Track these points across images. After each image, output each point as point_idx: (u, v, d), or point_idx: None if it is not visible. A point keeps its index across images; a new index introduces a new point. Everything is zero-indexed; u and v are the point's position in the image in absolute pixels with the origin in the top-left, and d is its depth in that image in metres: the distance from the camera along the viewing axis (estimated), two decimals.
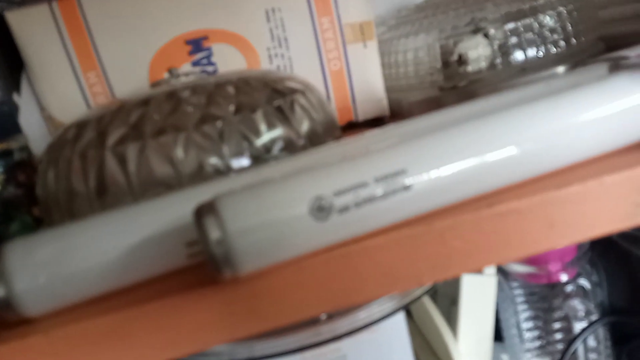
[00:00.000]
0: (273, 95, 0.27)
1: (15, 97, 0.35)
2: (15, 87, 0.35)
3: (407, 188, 0.18)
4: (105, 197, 0.24)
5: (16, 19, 0.35)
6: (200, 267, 0.19)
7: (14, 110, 0.34)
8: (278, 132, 0.26)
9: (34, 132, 0.36)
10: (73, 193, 0.24)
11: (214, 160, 0.24)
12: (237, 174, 0.23)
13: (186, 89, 0.26)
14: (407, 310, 0.44)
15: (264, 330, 0.19)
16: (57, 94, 0.37)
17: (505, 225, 0.20)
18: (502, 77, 0.41)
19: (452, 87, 0.42)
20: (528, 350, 0.43)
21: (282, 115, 0.27)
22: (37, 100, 0.37)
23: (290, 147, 0.27)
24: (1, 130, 0.33)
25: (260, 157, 0.26)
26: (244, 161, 0.25)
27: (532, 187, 0.20)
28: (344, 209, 0.18)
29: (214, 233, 0.17)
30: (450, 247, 0.20)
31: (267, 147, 0.25)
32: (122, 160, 0.23)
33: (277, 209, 0.18)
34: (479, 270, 0.20)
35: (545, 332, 0.42)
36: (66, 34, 0.36)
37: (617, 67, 0.21)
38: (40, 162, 0.27)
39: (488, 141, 0.19)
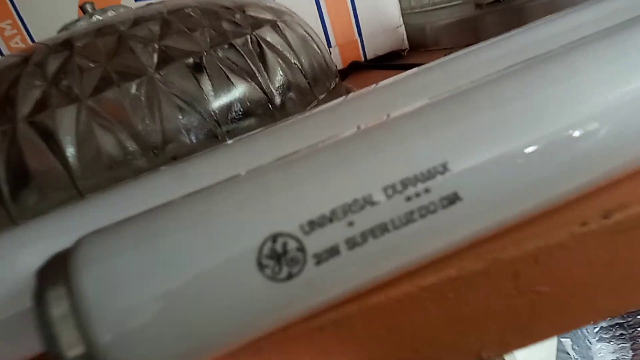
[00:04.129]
0: (225, 32, 0.17)
1: None
2: None
3: (448, 200, 0.09)
4: (25, 196, 0.15)
5: None
6: None
7: None
8: (235, 91, 0.17)
9: None
10: None
11: (124, 142, 0.15)
12: (162, 170, 0.14)
13: (84, 36, 0.17)
14: None
15: None
16: None
17: (635, 246, 0.11)
18: None
19: (492, 2, 0.31)
20: (599, 332, 0.35)
21: (242, 61, 0.17)
22: None
23: (258, 112, 0.17)
24: None
25: (211, 132, 0.17)
26: (186, 140, 0.16)
27: None
28: (327, 253, 0.09)
29: (68, 340, 0.08)
30: (532, 295, 0.11)
31: (219, 116, 0.16)
32: (46, 136, 0.15)
33: (193, 268, 0.09)
34: (576, 328, 0.12)
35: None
36: None
37: None
38: None
39: (582, 102, 0.10)
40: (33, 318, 0.09)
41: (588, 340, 0.36)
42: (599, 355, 0.36)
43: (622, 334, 0.34)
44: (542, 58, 0.11)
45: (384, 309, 0.10)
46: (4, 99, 0.15)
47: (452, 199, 0.09)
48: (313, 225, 0.09)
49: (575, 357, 0.39)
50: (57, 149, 0.15)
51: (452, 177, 0.09)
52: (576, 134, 0.10)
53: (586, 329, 0.36)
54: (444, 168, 0.09)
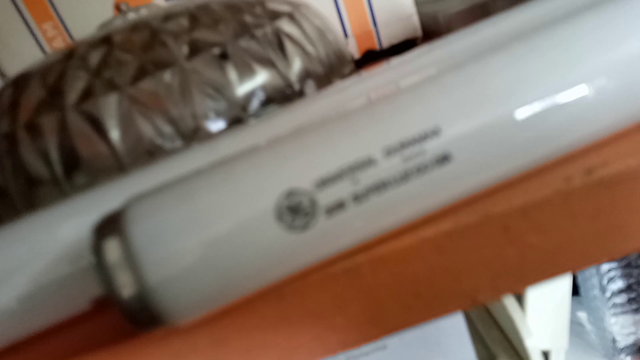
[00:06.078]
0: (247, 24, 0.19)
1: None
2: None
3: (442, 159, 0.11)
4: (77, 177, 0.17)
5: None
6: None
7: None
8: (258, 79, 0.18)
9: None
10: (31, 181, 0.18)
11: (161, 127, 0.17)
12: (193, 151, 0.15)
13: (121, 32, 0.18)
14: None
15: None
16: (12, 54, 0.31)
17: (616, 200, 0.12)
18: None
19: None
20: (613, 306, 0.36)
21: (263, 51, 0.19)
22: None
23: (279, 98, 0.19)
24: None
25: (237, 117, 0.18)
26: (215, 125, 0.18)
27: None
28: (336, 207, 0.11)
29: (123, 281, 0.10)
30: (522, 245, 0.12)
31: (243, 103, 0.18)
32: (93, 122, 0.17)
33: (225, 220, 0.11)
34: (560, 274, 0.13)
35: (637, 282, 0.34)
36: None
37: None
38: None
39: (567, 69, 0.11)
40: (93, 268, 0.11)
41: (603, 314, 0.37)
42: (614, 327, 0.37)
43: (638, 308, 0.35)
44: (529, 33, 0.12)
45: (389, 258, 0.12)
46: (53, 90, 0.17)
47: (443, 158, 0.11)
48: (323, 182, 0.10)
49: (591, 328, 0.40)
50: (102, 133, 0.17)
51: (441, 140, 0.11)
52: (561, 99, 0.11)
53: (601, 302, 0.36)
54: (434, 132, 0.11)
